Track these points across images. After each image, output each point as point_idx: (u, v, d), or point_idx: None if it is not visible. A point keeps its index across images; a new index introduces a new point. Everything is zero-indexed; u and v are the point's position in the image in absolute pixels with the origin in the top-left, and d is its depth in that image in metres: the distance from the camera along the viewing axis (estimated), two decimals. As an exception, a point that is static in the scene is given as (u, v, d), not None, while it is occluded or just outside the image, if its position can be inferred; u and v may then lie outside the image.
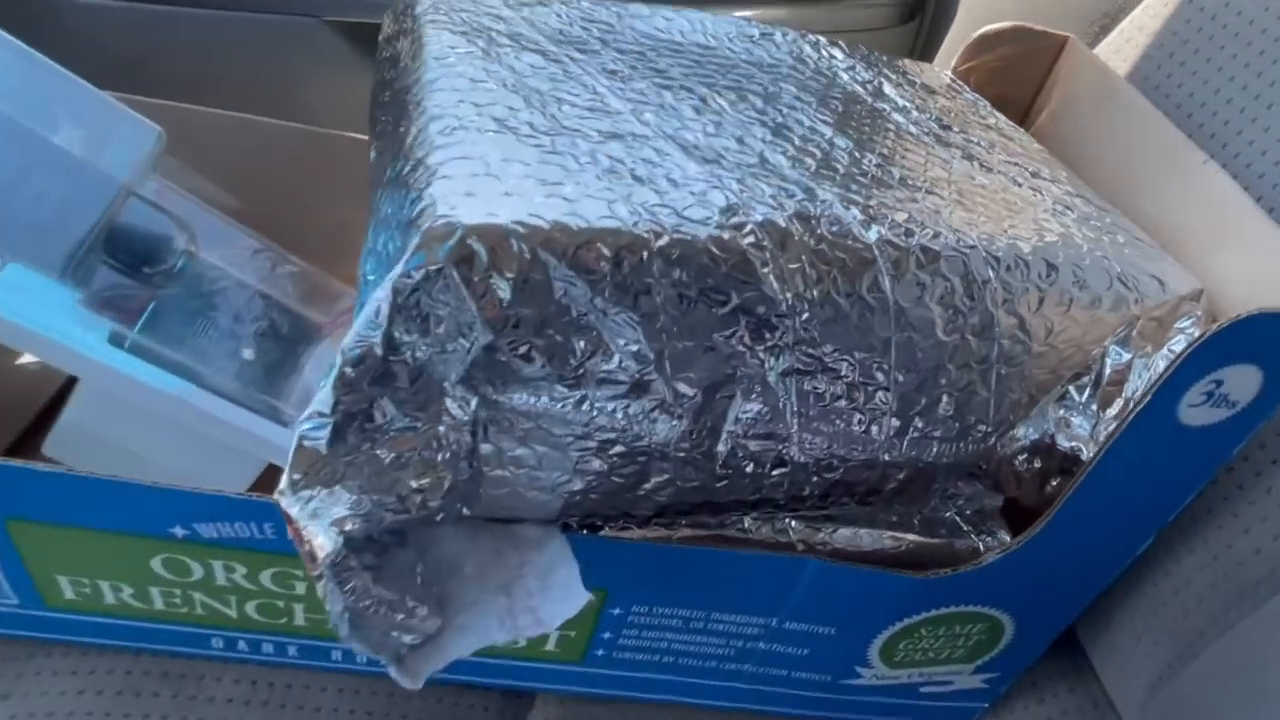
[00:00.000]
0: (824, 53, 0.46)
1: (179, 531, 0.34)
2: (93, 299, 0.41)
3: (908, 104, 0.43)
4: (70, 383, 0.51)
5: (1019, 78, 0.50)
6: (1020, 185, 0.38)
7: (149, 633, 0.39)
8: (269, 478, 0.45)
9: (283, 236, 0.51)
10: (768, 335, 0.30)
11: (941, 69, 0.52)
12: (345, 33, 0.76)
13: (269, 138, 0.54)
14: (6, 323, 0.37)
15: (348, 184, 0.53)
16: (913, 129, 0.41)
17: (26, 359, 0.51)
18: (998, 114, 0.47)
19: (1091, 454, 0.34)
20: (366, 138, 0.52)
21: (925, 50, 0.78)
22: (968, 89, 0.49)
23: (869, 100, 0.42)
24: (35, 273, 0.39)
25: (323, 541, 0.25)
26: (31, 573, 0.36)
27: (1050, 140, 0.49)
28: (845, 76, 0.44)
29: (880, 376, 0.31)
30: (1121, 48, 0.51)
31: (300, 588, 0.36)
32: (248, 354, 0.45)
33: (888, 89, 0.44)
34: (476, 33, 0.37)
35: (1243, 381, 0.30)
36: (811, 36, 0.46)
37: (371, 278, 0.31)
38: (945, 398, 0.32)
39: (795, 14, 0.77)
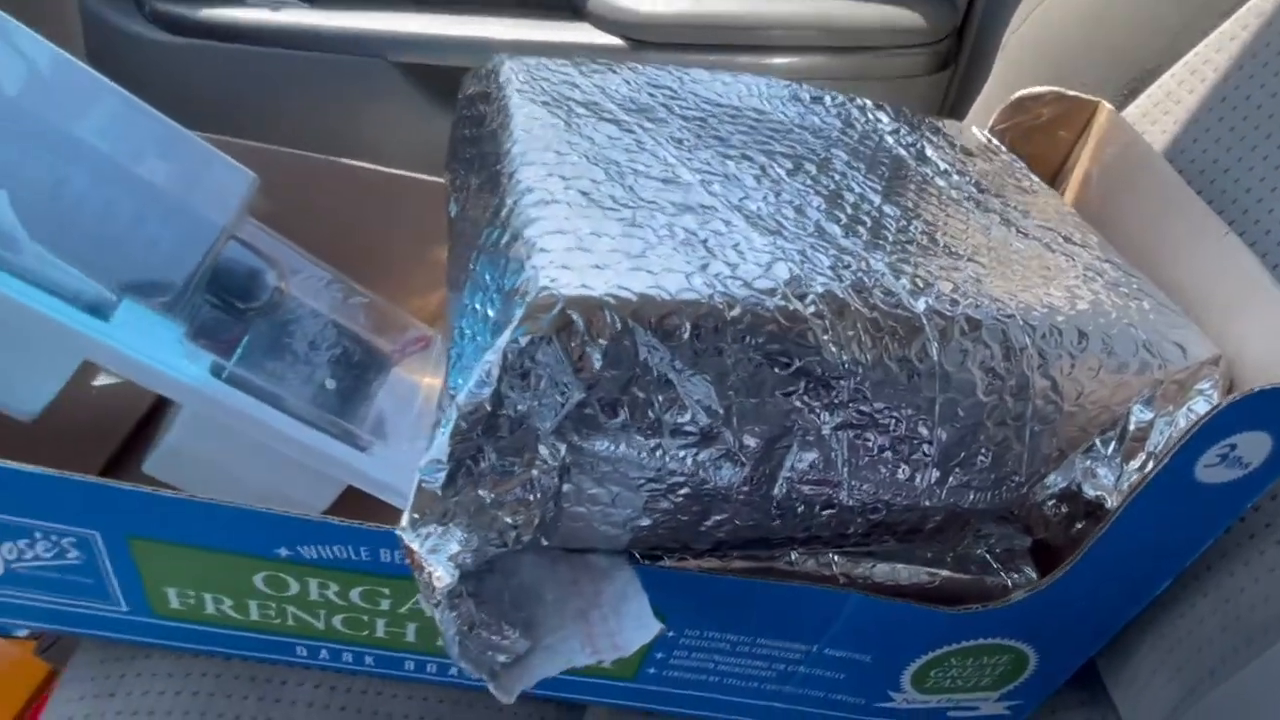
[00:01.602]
0: (870, 116, 0.49)
1: (283, 552, 0.37)
2: (195, 333, 0.44)
3: (948, 168, 0.46)
4: (157, 406, 0.55)
5: (1052, 139, 0.53)
6: (1054, 251, 0.42)
7: (241, 640, 0.43)
8: (345, 497, 0.49)
9: (348, 271, 0.55)
10: (825, 394, 0.33)
11: (980, 127, 0.55)
12: (408, 74, 0.80)
13: (337, 175, 0.57)
14: (125, 356, 0.41)
15: (412, 223, 0.56)
16: (954, 193, 0.44)
17: (101, 380, 0.54)
18: (1032, 175, 0.50)
19: (1114, 502, 0.37)
20: (430, 178, 0.56)
21: (959, 99, 0.81)
22: (1004, 149, 0.53)
23: (913, 164, 0.45)
24: (146, 310, 0.43)
25: (441, 574, 0.28)
26: (145, 584, 0.40)
27: (1080, 201, 0.52)
28: (890, 140, 0.47)
29: (924, 432, 0.35)
30: (1149, 111, 0.54)
31: (385, 604, 0.40)
32: (330, 384, 0.49)
33: (929, 152, 0.47)
34: (557, 104, 0.41)
35: (1255, 446, 0.34)
36: (859, 100, 0.50)
37: (469, 332, 0.34)
38: (983, 451, 0.36)
39: (831, 62, 0.80)
